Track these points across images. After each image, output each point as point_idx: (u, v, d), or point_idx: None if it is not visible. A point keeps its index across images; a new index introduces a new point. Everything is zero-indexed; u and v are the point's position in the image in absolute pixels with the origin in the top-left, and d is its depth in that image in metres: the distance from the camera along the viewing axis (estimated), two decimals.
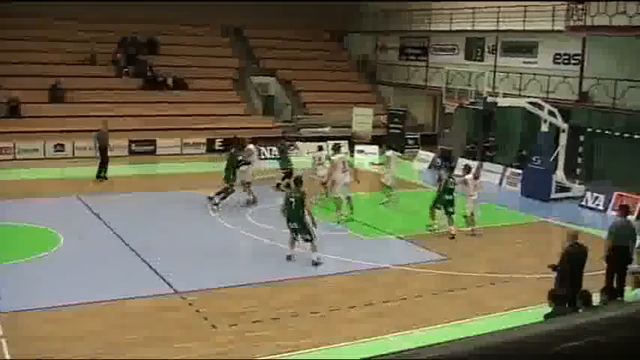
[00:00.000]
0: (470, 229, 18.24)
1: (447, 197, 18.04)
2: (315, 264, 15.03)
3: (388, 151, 21.99)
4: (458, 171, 22.65)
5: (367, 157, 29.22)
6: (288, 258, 15.30)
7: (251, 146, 21.84)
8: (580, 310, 11.31)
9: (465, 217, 18.28)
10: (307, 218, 15.19)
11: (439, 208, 18.33)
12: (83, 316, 11.87)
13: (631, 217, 16.15)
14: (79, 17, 33.03)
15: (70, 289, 13.04)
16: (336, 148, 21.08)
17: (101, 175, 23.55)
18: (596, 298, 10.49)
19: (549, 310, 12.04)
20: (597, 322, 3.57)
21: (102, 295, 12.75)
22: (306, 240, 15.24)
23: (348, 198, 19.46)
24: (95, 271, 14.23)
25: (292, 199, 15.17)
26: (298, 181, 15.99)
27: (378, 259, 15.78)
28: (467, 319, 12.43)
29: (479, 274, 15.08)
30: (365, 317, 12.48)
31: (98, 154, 23.58)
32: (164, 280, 13.80)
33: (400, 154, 23.95)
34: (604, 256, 13.20)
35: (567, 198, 23.19)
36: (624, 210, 14.10)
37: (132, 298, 12.85)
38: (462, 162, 24.57)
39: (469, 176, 18.65)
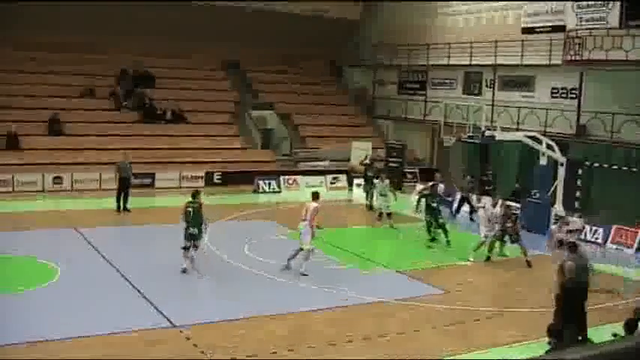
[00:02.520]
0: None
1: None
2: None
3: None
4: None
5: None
6: (184, 271, 16.29)
7: None
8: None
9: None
10: (204, 227, 16.47)
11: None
12: (73, 350, 11.66)
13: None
14: (78, 49, 33.20)
15: (62, 322, 12.88)
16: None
17: (126, 206, 23.85)
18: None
19: (551, 344, 11.94)
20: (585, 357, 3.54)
21: (97, 328, 12.59)
22: (196, 246, 16.37)
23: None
24: (91, 304, 14.09)
25: (190, 209, 16.41)
26: (196, 193, 17.05)
27: (376, 293, 15.64)
28: (463, 353, 12.33)
29: (476, 308, 14.96)
30: (362, 351, 12.33)
31: (117, 185, 23.92)
32: (160, 312, 13.68)
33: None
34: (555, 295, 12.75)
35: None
36: (574, 248, 13.56)
37: (129, 330, 12.66)
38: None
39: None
